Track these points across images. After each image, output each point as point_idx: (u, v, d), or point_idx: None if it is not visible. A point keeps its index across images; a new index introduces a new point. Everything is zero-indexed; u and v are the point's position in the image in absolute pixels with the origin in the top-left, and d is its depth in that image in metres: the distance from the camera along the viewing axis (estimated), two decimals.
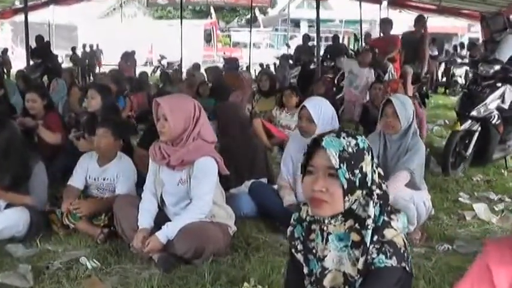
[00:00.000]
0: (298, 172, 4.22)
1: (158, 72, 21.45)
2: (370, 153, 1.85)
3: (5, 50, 20.57)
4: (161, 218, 3.62)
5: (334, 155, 1.75)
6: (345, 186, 1.76)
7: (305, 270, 1.97)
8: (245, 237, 3.95)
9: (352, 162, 1.78)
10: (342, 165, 1.75)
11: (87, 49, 22.96)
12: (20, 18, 20.04)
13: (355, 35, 15.83)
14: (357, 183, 1.79)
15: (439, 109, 12.57)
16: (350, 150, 1.78)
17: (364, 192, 1.82)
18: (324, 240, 1.89)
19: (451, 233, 4.22)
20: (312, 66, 13.17)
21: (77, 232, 4.03)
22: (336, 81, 11.01)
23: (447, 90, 16.35)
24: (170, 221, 3.55)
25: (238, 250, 3.73)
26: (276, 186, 4.45)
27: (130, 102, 8.53)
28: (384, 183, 1.89)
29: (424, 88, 10.95)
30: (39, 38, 15.29)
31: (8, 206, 3.99)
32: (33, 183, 4.01)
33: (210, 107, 6.34)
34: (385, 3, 16.60)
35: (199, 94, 9.15)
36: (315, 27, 11.78)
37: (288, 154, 4.35)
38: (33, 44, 13.95)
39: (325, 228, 1.88)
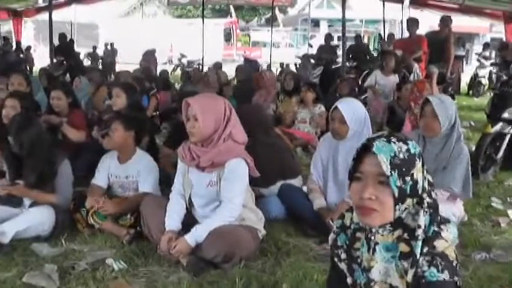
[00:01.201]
0: (328, 175, 4.13)
1: (178, 71, 21.50)
2: (421, 159, 1.75)
3: (28, 48, 20.68)
4: (189, 220, 3.54)
5: (385, 161, 1.66)
6: (396, 194, 1.67)
7: (349, 281, 1.88)
8: (275, 241, 3.86)
9: (404, 169, 1.68)
10: (393, 172, 1.66)
11: (108, 47, 23.02)
12: (42, 16, 20.26)
13: (379, 34, 15.66)
14: (408, 191, 1.69)
15: (464, 110, 12.34)
16: (401, 156, 1.69)
17: (415, 200, 1.73)
18: (371, 250, 1.80)
19: (486, 240, 4.06)
20: (334, 66, 13.06)
21: (102, 232, 3.97)
22: (359, 82, 10.88)
23: (470, 91, 16.11)
24: (198, 223, 3.47)
25: (268, 255, 3.64)
26: (305, 189, 4.34)
27: (156, 101, 8.48)
28: (433, 190, 1.78)
29: (450, 89, 10.79)
30: (62, 36, 15.34)
31: (33, 204, 3.96)
32: (58, 182, 3.98)
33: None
34: (407, 2, 16.44)
35: (222, 94, 9.07)
36: (334, 27, 11.68)
37: (318, 156, 4.24)
38: (56, 42, 13.96)
39: (372, 237, 1.79)
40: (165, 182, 4.27)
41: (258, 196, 4.21)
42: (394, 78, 9.04)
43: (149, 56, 17.86)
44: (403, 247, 1.73)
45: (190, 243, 3.31)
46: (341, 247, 1.92)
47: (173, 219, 3.49)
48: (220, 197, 3.42)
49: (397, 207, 1.69)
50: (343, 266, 1.91)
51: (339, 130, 3.98)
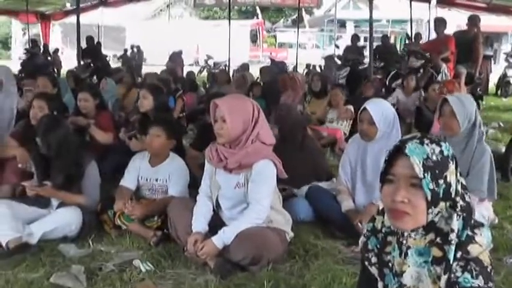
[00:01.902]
0: (356, 176, 4.07)
1: (205, 73, 21.56)
2: (454, 161, 1.70)
3: (56, 50, 20.91)
4: (216, 222, 3.51)
5: (418, 163, 1.62)
6: (429, 197, 1.62)
7: (380, 285, 1.83)
8: (303, 243, 3.81)
9: (437, 172, 1.64)
10: (426, 174, 1.62)
11: (134, 50, 23.18)
12: (69, 20, 20.55)
13: (406, 34, 15.51)
14: (441, 195, 1.64)
15: (492, 111, 12.16)
16: (434, 158, 1.64)
17: (448, 204, 1.67)
18: (403, 254, 1.74)
19: None
20: (360, 67, 12.96)
21: (129, 233, 3.96)
22: (386, 83, 10.77)
23: (499, 92, 15.87)
24: (225, 225, 3.44)
25: (296, 257, 3.59)
26: (334, 180, 4.30)
27: (182, 102, 8.49)
28: (467, 193, 1.73)
29: (478, 89, 10.62)
30: (89, 39, 15.49)
31: (60, 205, 3.97)
32: (85, 183, 3.99)
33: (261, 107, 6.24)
34: (434, 1, 16.25)
35: (251, 94, 9.05)
36: (361, 28, 11.59)
37: (347, 158, 4.18)
38: (83, 44, 14.10)
39: (404, 241, 1.74)
40: (192, 184, 4.25)
41: (287, 197, 4.18)
42: (416, 96, 8.89)
43: (176, 58, 17.96)
44: (436, 252, 1.68)
45: (218, 245, 3.27)
46: (371, 251, 1.87)
47: (200, 221, 3.46)
48: (248, 199, 3.38)
49: (430, 210, 1.64)
50: (373, 270, 1.86)
51: (368, 131, 3.92)
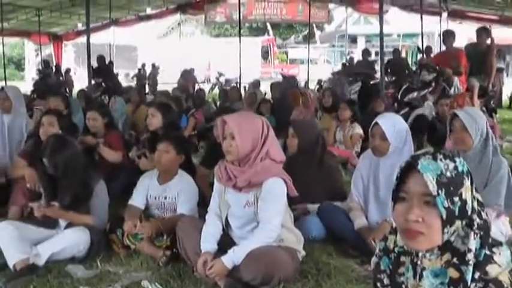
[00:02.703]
0: (369, 193, 3.99)
1: (216, 90, 21.59)
2: (469, 177, 1.62)
3: (68, 70, 21.09)
4: (226, 241, 3.43)
5: (432, 180, 1.54)
6: (444, 216, 1.55)
7: None
8: (315, 262, 3.72)
9: (451, 189, 1.56)
10: (440, 191, 1.54)
11: (148, 68, 23.30)
12: (82, 40, 20.73)
13: (418, 47, 15.44)
14: (457, 213, 1.56)
15: (506, 124, 12.01)
16: (448, 174, 1.57)
17: (464, 222, 1.59)
18: (418, 276, 1.66)
19: None
20: (372, 82, 12.88)
21: (138, 253, 3.90)
22: (399, 97, 10.66)
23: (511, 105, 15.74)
24: (235, 244, 3.36)
25: (308, 276, 3.50)
26: (345, 208, 4.21)
27: (194, 120, 8.48)
28: (483, 211, 1.64)
29: (492, 102, 10.48)
30: (100, 58, 15.57)
31: (68, 225, 3.92)
32: (94, 203, 3.94)
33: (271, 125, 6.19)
34: (445, 14, 16.20)
35: (260, 112, 9.02)
36: (372, 42, 11.55)
37: (359, 174, 4.10)
38: (95, 64, 14.17)
39: (418, 262, 1.66)
40: (201, 202, 4.20)
41: (298, 216, 4.09)
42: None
43: (187, 75, 18.00)
44: (453, 273, 1.60)
45: (227, 265, 3.20)
46: (384, 271, 1.80)
47: (209, 240, 3.39)
48: (258, 217, 3.31)
49: (445, 230, 1.57)
50: None
51: (380, 147, 3.84)
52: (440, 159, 1.59)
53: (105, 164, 5.26)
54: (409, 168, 1.61)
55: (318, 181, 4.38)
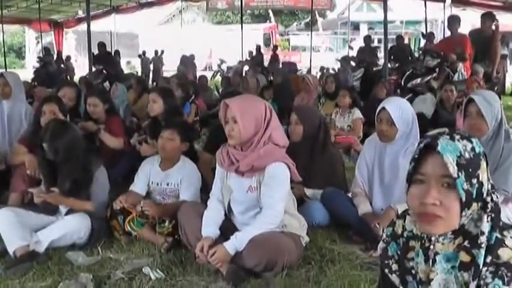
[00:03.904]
0: (374, 179, 3.94)
1: (218, 77, 21.53)
2: (485, 158, 1.56)
3: (68, 57, 20.99)
4: (228, 227, 3.39)
5: (452, 161, 1.48)
6: (463, 198, 1.49)
7: None
8: (318, 248, 3.67)
9: (470, 170, 1.50)
10: (460, 173, 1.48)
11: (149, 55, 23.21)
12: (83, 27, 20.65)
13: (422, 33, 15.34)
14: (474, 195, 1.51)
15: (510, 111, 11.93)
16: (467, 155, 1.51)
17: (479, 204, 1.54)
18: (431, 261, 1.61)
19: None
20: (375, 68, 12.81)
21: (139, 240, 3.86)
22: (402, 83, 10.59)
23: None
24: (237, 230, 3.31)
25: (311, 263, 3.45)
26: (349, 194, 4.15)
27: (196, 107, 8.44)
28: (494, 192, 1.59)
29: (496, 88, 10.40)
30: (101, 45, 15.49)
31: (68, 212, 3.88)
32: (94, 189, 3.89)
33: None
34: (448, 1, 16.08)
35: (263, 98, 8.97)
36: (374, 29, 11.46)
37: (363, 160, 4.04)
38: (96, 51, 14.11)
39: (431, 246, 1.60)
40: (204, 188, 4.15)
41: (300, 201, 4.05)
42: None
43: (186, 62, 17.95)
44: (464, 256, 1.55)
45: (230, 251, 3.15)
46: (391, 257, 1.74)
47: (210, 226, 3.35)
48: (261, 203, 3.25)
49: (464, 213, 1.52)
50: (394, 278, 1.73)
51: (387, 132, 3.77)
52: (458, 140, 1.53)
53: (106, 150, 5.21)
54: (427, 149, 1.55)
55: (319, 168, 4.32)
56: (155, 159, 4.26)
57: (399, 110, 3.73)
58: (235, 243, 3.16)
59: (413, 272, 1.67)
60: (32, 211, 3.85)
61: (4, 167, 4.89)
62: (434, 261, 1.60)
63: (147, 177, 4.19)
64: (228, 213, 3.46)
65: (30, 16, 19.53)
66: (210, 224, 3.35)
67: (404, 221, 1.72)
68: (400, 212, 3.52)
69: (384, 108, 3.76)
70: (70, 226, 3.73)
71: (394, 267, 1.73)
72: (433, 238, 1.60)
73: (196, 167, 4.25)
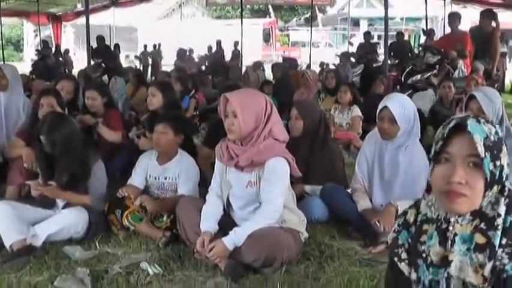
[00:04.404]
0: (373, 175, 3.91)
1: None
2: (505, 143, 1.62)
3: (67, 51, 20.93)
4: (227, 223, 3.36)
5: (480, 141, 1.53)
6: (488, 179, 1.54)
7: (413, 277, 1.70)
8: (317, 244, 3.65)
9: (495, 152, 1.56)
10: (486, 154, 1.53)
11: (149, 49, 23.14)
12: (81, 21, 20.56)
13: (423, 30, 15.30)
14: (497, 177, 1.55)
15: (509, 108, 11.91)
16: (492, 138, 1.57)
17: (498, 187, 1.58)
18: (450, 242, 1.62)
19: None
20: (375, 65, 12.78)
21: (137, 234, 3.83)
22: (402, 79, 10.57)
23: None
24: (236, 225, 3.28)
25: (310, 259, 3.43)
26: (349, 190, 4.13)
27: (196, 102, 8.41)
28: (507, 179, 1.63)
29: (496, 86, 10.38)
30: (100, 39, 15.43)
31: (66, 205, 3.85)
32: (92, 183, 3.86)
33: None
34: None
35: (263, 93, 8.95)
36: (374, 26, 11.43)
37: (363, 156, 4.01)
38: (94, 45, 14.07)
39: (450, 227, 1.62)
40: (202, 183, 4.12)
41: (300, 197, 4.02)
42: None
43: (183, 55, 17.88)
44: (479, 238, 1.58)
45: (229, 246, 3.12)
46: (402, 245, 1.76)
47: (209, 220, 3.32)
48: (260, 198, 3.22)
49: (487, 193, 1.56)
50: (403, 266, 1.74)
51: (389, 130, 3.73)
52: (483, 123, 1.58)
53: (104, 144, 5.18)
54: (456, 130, 1.58)
55: (319, 163, 4.29)
56: (153, 153, 4.23)
57: (401, 107, 3.69)
58: (234, 239, 3.13)
59: (424, 255, 1.68)
60: (29, 204, 3.82)
61: (1, 160, 4.87)
62: (453, 242, 1.61)
63: (144, 171, 4.16)
64: (227, 208, 3.43)
65: (28, 9, 19.41)
66: (209, 218, 3.32)
67: (417, 210, 1.74)
68: (400, 208, 3.53)
69: (385, 106, 3.72)
70: (67, 220, 3.70)
71: (404, 255, 1.74)
72: (452, 219, 1.61)
73: (194, 161, 4.23)
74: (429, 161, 1.66)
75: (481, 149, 1.52)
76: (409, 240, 1.73)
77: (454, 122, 1.59)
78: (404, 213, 1.79)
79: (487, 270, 1.54)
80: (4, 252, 3.49)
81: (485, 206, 1.58)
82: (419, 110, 7.13)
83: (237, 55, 18.45)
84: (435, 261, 1.63)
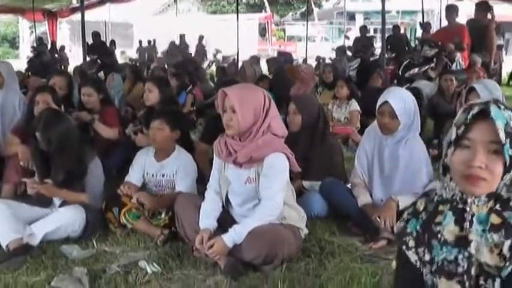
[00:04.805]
0: (373, 169, 3.87)
1: (213, 67, 21.42)
2: None
3: (62, 47, 20.86)
4: (226, 220, 3.31)
5: (502, 128, 1.56)
6: (507, 163, 1.58)
7: (426, 258, 1.71)
8: (318, 240, 3.60)
9: None
10: (507, 140, 1.57)
11: (144, 45, 23.10)
12: (77, 17, 20.47)
13: (420, 23, 15.28)
14: None
15: (508, 101, 11.88)
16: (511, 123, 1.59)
17: None
18: (468, 223, 1.64)
19: None
20: (372, 58, 12.75)
21: (135, 232, 3.79)
22: (399, 73, 10.53)
23: (511, 82, 15.63)
24: (235, 222, 3.24)
25: (311, 255, 3.39)
26: (349, 185, 4.09)
27: (193, 97, 8.36)
28: None
29: (494, 79, 10.35)
30: (95, 35, 15.36)
31: (62, 204, 3.80)
32: (88, 180, 3.82)
33: None
34: None
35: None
36: (370, 20, 11.41)
37: (363, 151, 3.97)
38: (90, 41, 14.00)
39: (467, 208, 1.64)
40: (200, 180, 4.07)
41: (299, 192, 3.98)
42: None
43: (174, 50, 17.80)
44: (495, 219, 1.62)
45: (228, 244, 3.08)
46: (410, 234, 1.77)
47: (208, 218, 3.27)
48: (260, 194, 3.18)
49: (505, 177, 1.60)
50: (410, 254, 1.75)
51: (389, 125, 3.69)
52: (503, 109, 1.60)
53: (100, 141, 5.14)
54: (478, 116, 1.61)
55: (318, 158, 4.25)
56: (150, 150, 4.17)
57: (402, 102, 3.65)
58: (233, 236, 3.09)
59: (439, 236, 1.69)
60: (25, 203, 3.79)
61: None
62: (471, 222, 1.64)
63: (142, 168, 4.11)
64: (226, 205, 3.39)
65: (23, 5, 19.30)
66: (208, 216, 3.28)
67: (426, 200, 1.77)
68: (400, 203, 3.50)
69: (386, 101, 3.67)
70: (64, 218, 3.66)
71: (411, 243, 1.76)
72: (469, 200, 1.64)
73: (191, 157, 4.18)
74: (448, 145, 1.67)
75: (502, 136, 1.55)
76: (418, 228, 1.75)
77: (478, 109, 1.60)
78: (414, 203, 1.81)
79: (506, 249, 1.57)
80: (0, 251, 3.44)
81: (500, 188, 1.62)
82: (416, 89, 7.17)
83: (200, 51, 18.13)
84: (449, 240, 1.66)
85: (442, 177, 1.74)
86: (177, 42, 21.39)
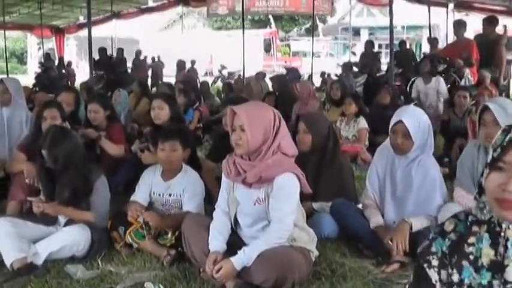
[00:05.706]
0: (385, 190, 3.79)
1: (219, 83, 21.43)
2: None
3: (69, 63, 20.95)
4: (234, 241, 3.24)
5: None
6: None
7: (455, 278, 1.66)
8: (328, 263, 3.52)
9: None
10: None
11: (149, 61, 23.08)
12: (84, 33, 20.59)
13: (428, 38, 15.22)
14: None
15: None
16: None
17: None
18: (502, 248, 1.60)
19: None
20: (378, 74, 12.68)
21: (141, 252, 3.72)
22: (407, 89, 10.46)
23: None
24: (245, 244, 3.17)
25: (322, 278, 3.30)
26: (360, 206, 4.00)
27: (199, 114, 8.33)
28: None
29: (504, 94, 10.27)
30: (102, 50, 15.39)
31: (68, 222, 3.75)
32: (94, 198, 3.77)
33: None
34: (451, 6, 15.99)
35: None
36: (375, 35, 11.38)
37: (374, 170, 3.88)
38: (96, 57, 14.03)
39: (502, 233, 1.61)
40: (207, 198, 4.02)
41: (309, 214, 3.89)
42: (436, 81, 8.63)
43: (182, 67, 17.80)
44: None
45: (237, 266, 3.00)
46: (435, 253, 1.72)
47: (218, 239, 3.19)
48: (269, 216, 3.10)
49: None
50: (431, 273, 1.70)
51: (403, 145, 3.61)
52: None
53: (106, 158, 5.10)
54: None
55: (328, 179, 4.16)
56: (157, 169, 4.08)
57: (416, 122, 3.57)
58: (243, 258, 3.01)
59: (472, 257, 1.65)
60: (30, 221, 3.74)
61: (3, 175, 4.78)
62: (506, 247, 1.60)
63: (148, 188, 4.02)
64: (235, 226, 3.31)
65: (32, 22, 19.51)
66: (218, 237, 3.20)
67: (457, 219, 1.73)
68: (414, 225, 3.41)
69: (400, 121, 3.59)
70: (69, 238, 3.60)
71: (434, 263, 1.71)
72: (503, 225, 1.61)
73: (199, 176, 4.09)
74: (485, 166, 1.64)
75: None
76: (444, 248, 1.70)
77: None
78: (442, 224, 1.77)
79: None
80: (5, 270, 3.39)
81: None
82: None
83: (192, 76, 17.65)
84: (485, 262, 1.62)
85: (478, 198, 1.70)
86: (188, 64, 21.18)
